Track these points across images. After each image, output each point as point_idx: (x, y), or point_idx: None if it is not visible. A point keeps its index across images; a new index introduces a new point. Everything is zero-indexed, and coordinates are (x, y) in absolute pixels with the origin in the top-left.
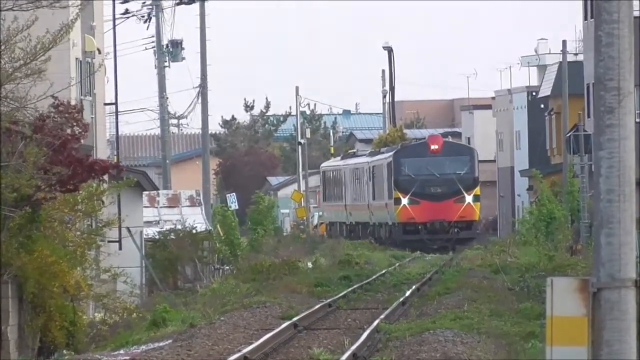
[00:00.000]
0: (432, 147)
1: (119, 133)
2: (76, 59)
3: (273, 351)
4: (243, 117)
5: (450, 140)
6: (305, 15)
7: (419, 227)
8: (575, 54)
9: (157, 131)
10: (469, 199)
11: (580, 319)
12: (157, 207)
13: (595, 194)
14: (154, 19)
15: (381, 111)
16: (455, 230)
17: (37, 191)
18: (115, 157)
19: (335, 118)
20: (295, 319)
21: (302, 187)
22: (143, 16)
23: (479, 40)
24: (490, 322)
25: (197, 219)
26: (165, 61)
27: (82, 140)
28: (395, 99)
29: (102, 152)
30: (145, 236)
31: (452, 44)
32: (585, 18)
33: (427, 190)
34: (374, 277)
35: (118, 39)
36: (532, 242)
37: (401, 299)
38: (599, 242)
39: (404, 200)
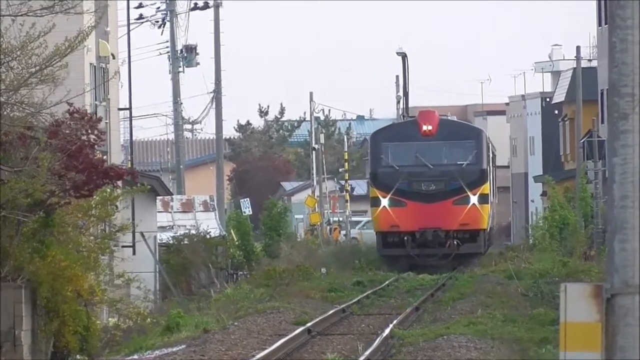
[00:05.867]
0: (425, 127)
1: (133, 138)
2: (90, 64)
3: (287, 357)
4: (258, 122)
5: (450, 117)
6: (320, 21)
7: (405, 238)
8: (590, 60)
9: (171, 136)
10: (473, 199)
11: (594, 325)
12: (171, 212)
13: (609, 200)
14: (168, 24)
15: (395, 117)
16: (455, 242)
17: (51, 196)
18: (129, 162)
19: (350, 124)
20: (309, 324)
21: (316, 193)
22: (157, 21)
23: (493, 46)
24: (504, 328)
25: (210, 224)
26: (180, 66)
27: (97, 147)
28: (409, 105)
29: (116, 157)
30: (159, 241)
31: (466, 50)
32: (600, 24)
33: (416, 187)
34: (387, 282)
35: (132, 44)
36: (546, 247)
37: (415, 305)
38: (613, 248)
39: (384, 201)
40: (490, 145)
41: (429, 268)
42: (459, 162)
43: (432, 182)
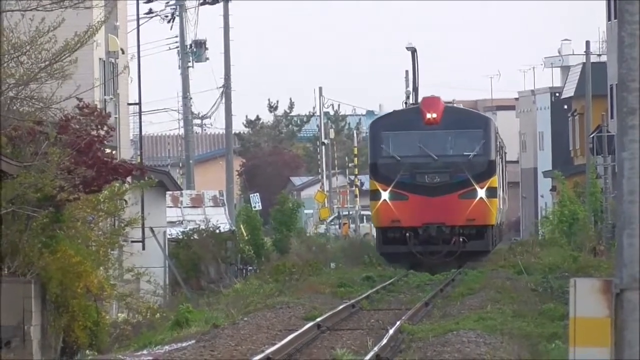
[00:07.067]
0: (428, 115)
1: (143, 133)
2: (100, 59)
3: (296, 352)
4: (267, 117)
5: (455, 104)
6: (329, 16)
7: (407, 234)
8: (599, 55)
9: (181, 131)
10: (481, 193)
11: (603, 320)
12: (180, 207)
13: (618, 195)
14: (177, 19)
15: None
16: (461, 239)
17: (61, 191)
18: (139, 157)
19: (360, 119)
20: (318, 319)
21: (326, 188)
22: (167, 16)
23: (503, 42)
24: (513, 323)
25: (220, 219)
26: (189, 61)
27: (106, 142)
28: (419, 100)
29: (126, 152)
30: (168, 236)
31: (475, 45)
32: (609, 19)
33: (419, 179)
34: (396, 277)
35: (142, 39)
36: (558, 241)
37: (424, 300)
38: (622, 243)
39: (385, 195)
40: (498, 135)
41: (432, 267)
42: (465, 153)
43: (437, 174)
